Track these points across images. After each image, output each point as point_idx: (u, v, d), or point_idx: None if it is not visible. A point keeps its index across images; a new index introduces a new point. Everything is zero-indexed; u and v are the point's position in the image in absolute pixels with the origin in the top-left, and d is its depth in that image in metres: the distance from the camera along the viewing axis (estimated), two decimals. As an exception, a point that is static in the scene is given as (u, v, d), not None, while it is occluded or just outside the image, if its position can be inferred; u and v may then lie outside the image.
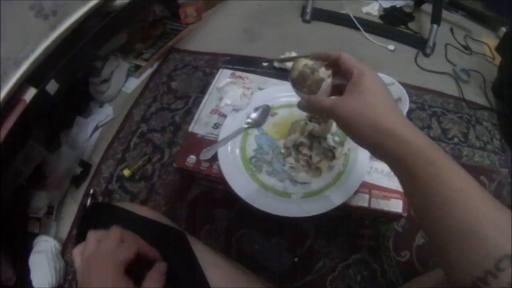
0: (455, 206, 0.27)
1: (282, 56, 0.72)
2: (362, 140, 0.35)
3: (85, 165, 0.87)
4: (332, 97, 0.39)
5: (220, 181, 0.60)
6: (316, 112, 0.40)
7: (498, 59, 0.99)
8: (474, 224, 0.26)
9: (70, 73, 0.81)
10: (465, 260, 0.26)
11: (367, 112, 0.33)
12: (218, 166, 0.60)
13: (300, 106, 0.41)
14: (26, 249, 0.73)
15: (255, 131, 0.63)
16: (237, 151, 0.62)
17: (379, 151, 0.34)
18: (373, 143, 0.34)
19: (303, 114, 0.64)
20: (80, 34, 0.79)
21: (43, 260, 0.70)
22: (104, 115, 0.89)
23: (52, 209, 0.82)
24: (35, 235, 0.76)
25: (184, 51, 0.92)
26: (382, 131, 0.32)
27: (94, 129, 0.89)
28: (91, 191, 0.81)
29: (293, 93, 0.67)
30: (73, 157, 0.88)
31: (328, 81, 0.39)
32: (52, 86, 0.76)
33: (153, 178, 0.74)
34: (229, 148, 0.62)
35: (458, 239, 0.27)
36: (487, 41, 1.08)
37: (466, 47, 1.02)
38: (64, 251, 0.74)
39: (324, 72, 0.39)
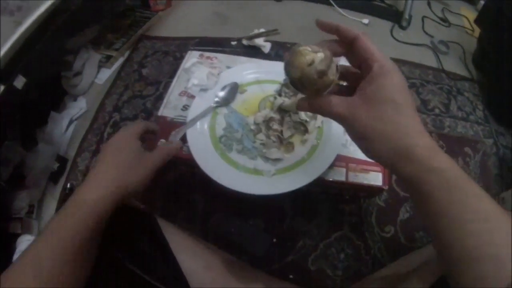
0: (470, 232, 0.24)
1: (250, 34, 0.67)
2: (376, 157, 0.30)
3: (62, 160, 0.82)
4: (340, 99, 0.30)
5: (192, 164, 0.55)
6: (322, 114, 0.32)
7: (477, 31, 0.94)
8: (489, 248, 0.24)
9: (37, 67, 0.77)
10: (481, 283, 0.23)
11: (387, 131, 0.28)
12: (188, 148, 0.56)
13: (300, 108, 0.34)
14: (10, 251, 0.69)
15: (224, 110, 0.59)
16: (206, 131, 0.57)
17: (392, 170, 0.29)
18: (388, 162, 0.29)
19: (272, 90, 0.60)
20: (47, 28, 0.75)
21: None
22: (78, 109, 0.84)
23: (32, 208, 0.78)
24: (18, 235, 0.73)
25: (154, 38, 0.87)
26: (400, 153, 0.27)
27: (69, 123, 0.84)
28: (68, 185, 0.77)
29: (261, 69, 0.64)
30: (50, 154, 0.83)
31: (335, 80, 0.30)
32: (19, 81, 0.72)
33: (127, 167, 0.69)
34: (198, 128, 0.57)
35: (474, 264, 0.24)
36: (466, 13, 1.04)
37: (444, 20, 0.97)
38: None
39: (333, 74, 0.29)
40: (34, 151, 0.84)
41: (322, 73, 0.29)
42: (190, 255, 0.45)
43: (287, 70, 0.31)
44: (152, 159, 0.44)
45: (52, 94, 0.88)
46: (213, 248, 0.54)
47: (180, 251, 0.43)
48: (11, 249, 0.69)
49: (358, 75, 0.31)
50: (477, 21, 0.94)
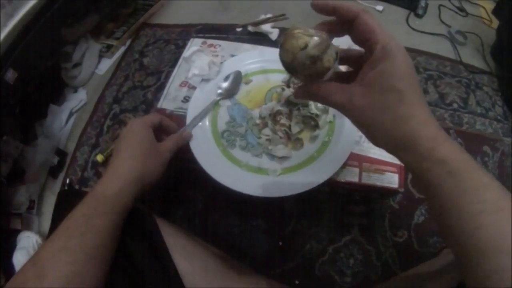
0: (482, 224, 0.22)
1: (256, 20, 0.60)
2: (379, 146, 0.27)
3: (62, 154, 0.76)
4: (338, 87, 0.27)
5: (191, 160, 0.48)
6: (319, 102, 0.31)
7: (495, 22, 0.85)
8: (504, 239, 0.21)
9: (32, 60, 0.72)
10: (498, 276, 0.21)
11: (387, 121, 0.25)
12: (188, 143, 0.49)
13: (297, 96, 0.30)
14: (10, 247, 0.65)
15: (227, 102, 0.52)
16: (207, 125, 0.50)
17: (399, 159, 0.27)
18: (391, 152, 0.27)
19: (279, 80, 0.53)
20: (40, 19, 0.69)
21: (24, 256, 0.62)
22: (77, 101, 0.78)
23: (33, 203, 0.73)
24: (18, 232, 0.68)
25: (155, 26, 0.80)
26: (402, 143, 0.25)
27: (69, 115, 0.78)
28: (67, 181, 0.71)
29: (267, 57, 0.56)
30: (49, 147, 0.77)
31: (334, 67, 0.26)
32: (10, 75, 0.67)
33: (126, 162, 0.63)
34: (199, 122, 0.50)
35: (489, 257, 0.22)
36: (483, 3, 0.94)
37: (461, 9, 0.87)
38: None
39: (329, 60, 0.26)
40: (34, 145, 0.79)
41: (315, 58, 0.25)
42: (187, 256, 0.41)
43: (280, 53, 0.27)
44: (165, 147, 0.44)
45: (51, 86, 0.82)
46: (213, 250, 0.48)
47: (178, 253, 0.39)
48: (12, 245, 0.65)
49: (362, 59, 0.28)
50: (495, 11, 0.85)
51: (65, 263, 0.29)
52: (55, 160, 0.77)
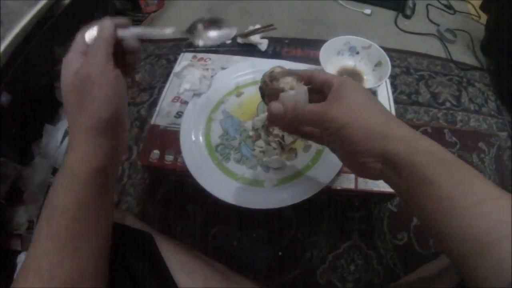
0: (479, 214, 0.22)
1: (245, 31, 0.60)
2: (361, 147, 0.27)
3: (59, 173, 0.77)
4: (313, 104, 0.31)
5: (188, 175, 0.49)
6: (294, 122, 0.31)
7: (484, 18, 0.85)
8: (504, 227, 0.21)
9: (22, 81, 0.72)
10: (503, 264, 0.20)
11: (360, 116, 0.27)
12: (183, 158, 0.49)
13: (273, 112, 0.30)
14: (11, 268, 0.65)
15: (219, 115, 0.52)
16: (201, 139, 0.50)
17: (382, 160, 0.27)
18: (375, 147, 0.26)
19: (271, 91, 0.53)
20: (31, 39, 0.70)
21: None
22: (72, 119, 0.78)
23: (32, 224, 0.73)
24: (19, 252, 0.68)
25: (146, 41, 0.80)
26: (385, 134, 0.26)
27: (64, 134, 0.78)
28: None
29: (258, 68, 0.56)
30: (46, 167, 0.78)
31: (291, 93, 0.30)
32: (4, 99, 0.68)
33: (123, 178, 0.63)
34: (192, 137, 0.50)
35: (491, 247, 0.21)
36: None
37: (449, 7, 0.88)
38: None
39: (287, 83, 0.31)
40: (31, 166, 0.79)
41: (272, 78, 0.32)
42: (189, 272, 0.40)
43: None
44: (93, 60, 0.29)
45: (46, 106, 0.82)
46: (213, 263, 0.48)
47: (179, 269, 0.39)
48: (12, 266, 0.65)
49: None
50: (483, 6, 0.86)
51: (40, 256, 0.27)
52: (52, 180, 0.77)
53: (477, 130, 0.68)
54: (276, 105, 0.30)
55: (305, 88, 0.30)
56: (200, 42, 0.35)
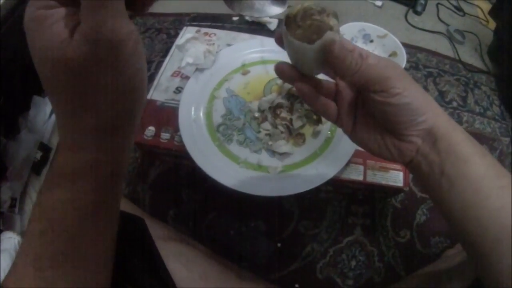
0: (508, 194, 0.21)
1: (255, 8, 0.55)
2: (417, 116, 0.24)
3: (45, 149, 0.70)
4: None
5: (184, 156, 0.43)
6: (355, 74, 0.23)
7: (492, 23, 0.83)
8: None
9: (10, 50, 0.65)
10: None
11: (414, 85, 0.24)
12: (180, 137, 0.44)
13: (331, 57, 0.23)
14: None
15: (223, 93, 0.47)
16: (202, 118, 0.45)
17: (428, 135, 0.25)
18: (428, 118, 0.24)
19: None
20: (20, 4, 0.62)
21: (7, 259, 0.56)
22: (62, 92, 0.71)
23: (15, 202, 0.66)
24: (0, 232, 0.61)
25: (147, 14, 0.74)
26: (431, 106, 0.24)
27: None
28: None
29: (266, 47, 0.51)
30: (32, 142, 0.71)
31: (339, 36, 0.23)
32: None
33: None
34: (192, 114, 0.45)
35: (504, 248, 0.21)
36: (480, 4, 0.92)
37: (459, 8, 0.85)
38: None
39: (335, 24, 0.23)
40: (16, 140, 0.72)
41: (321, 11, 0.23)
42: (184, 263, 0.37)
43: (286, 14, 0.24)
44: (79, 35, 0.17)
45: (35, 77, 0.75)
46: (209, 254, 0.44)
47: (172, 259, 0.35)
48: (-7, 247, 0.58)
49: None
50: (491, 12, 0.83)
51: (32, 276, 0.21)
52: (38, 155, 0.70)
53: (482, 132, 0.66)
54: (344, 40, 0.23)
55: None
56: (241, 11, 0.26)
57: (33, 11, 0.16)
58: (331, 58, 0.23)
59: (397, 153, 0.25)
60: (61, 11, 0.16)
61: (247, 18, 0.55)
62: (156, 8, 0.84)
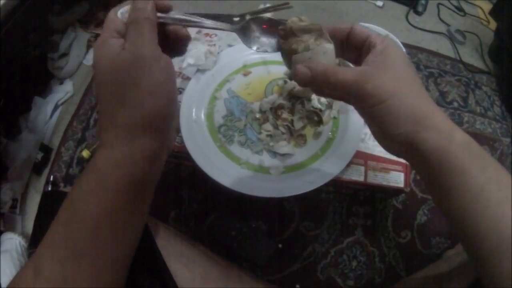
0: (507, 208, 0.21)
1: (255, 9, 0.55)
2: (392, 130, 0.24)
3: (46, 150, 0.70)
4: (347, 68, 0.26)
5: (186, 156, 0.43)
6: (325, 88, 0.26)
7: (493, 23, 0.83)
8: None
9: (12, 51, 0.65)
10: None
11: (403, 92, 0.23)
12: (182, 138, 0.44)
13: (299, 77, 0.26)
14: None
15: (224, 94, 0.46)
16: (203, 119, 0.45)
17: (410, 146, 0.24)
18: (406, 130, 0.23)
19: (281, 72, 0.48)
20: (24, 3, 0.62)
21: (7, 261, 0.56)
22: (63, 92, 0.71)
23: (16, 202, 0.66)
24: (1, 233, 0.61)
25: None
26: (420, 117, 0.23)
27: (54, 108, 0.71)
28: (51, 178, 0.65)
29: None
30: (33, 142, 0.70)
31: (305, 55, 0.25)
32: None
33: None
34: (193, 115, 0.45)
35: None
36: (481, 4, 0.91)
37: (460, 8, 0.84)
38: (31, 247, 0.58)
39: (302, 41, 0.26)
40: (17, 140, 0.72)
41: (288, 34, 0.26)
42: (185, 263, 0.36)
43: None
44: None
45: (37, 77, 0.75)
46: (210, 254, 0.44)
47: (174, 260, 0.34)
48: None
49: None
50: (492, 13, 0.83)
51: (53, 261, 0.22)
52: (39, 156, 0.70)
53: (482, 133, 0.65)
54: (302, 69, 0.25)
55: (328, 47, 0.25)
56: (254, 47, 0.29)
57: (105, 36, 0.23)
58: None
59: (393, 150, 0.26)
60: (121, 40, 0.23)
61: (247, 18, 0.55)
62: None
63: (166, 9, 0.26)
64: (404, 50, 0.52)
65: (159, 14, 0.25)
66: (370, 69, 0.24)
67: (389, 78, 0.23)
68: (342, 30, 0.27)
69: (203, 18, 0.28)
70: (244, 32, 0.30)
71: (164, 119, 0.24)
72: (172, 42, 0.27)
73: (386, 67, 0.24)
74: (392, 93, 0.23)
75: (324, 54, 0.25)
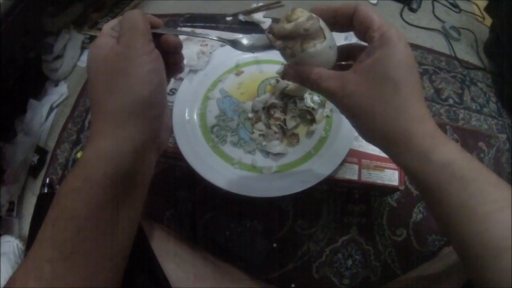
0: (494, 222, 0.21)
1: (248, 8, 0.54)
2: (369, 140, 0.25)
3: (42, 152, 0.69)
4: (332, 73, 0.25)
5: (179, 157, 0.43)
6: (309, 87, 0.26)
7: (488, 19, 0.82)
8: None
9: (7, 53, 0.64)
10: (504, 276, 0.20)
11: (380, 112, 0.23)
12: (175, 139, 0.43)
13: (286, 75, 0.27)
14: None
15: (217, 94, 0.46)
16: (196, 119, 0.45)
17: (390, 157, 0.25)
18: (383, 148, 0.24)
19: (274, 71, 0.47)
20: (18, 6, 0.61)
21: (6, 263, 0.56)
22: (58, 95, 0.71)
23: (12, 205, 0.66)
24: None
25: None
26: (397, 139, 0.23)
27: (49, 110, 0.71)
28: (47, 181, 0.65)
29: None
30: (29, 145, 0.70)
31: (318, 49, 0.24)
32: None
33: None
34: (186, 116, 0.45)
35: (503, 254, 0.20)
36: (476, 1, 0.91)
37: (455, 5, 0.84)
38: (28, 249, 0.58)
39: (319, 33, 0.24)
40: (13, 143, 0.72)
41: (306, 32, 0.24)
42: (179, 263, 0.36)
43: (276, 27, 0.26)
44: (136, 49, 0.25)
45: (32, 80, 0.74)
46: (205, 255, 0.43)
47: (168, 260, 0.34)
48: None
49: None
50: (487, 9, 0.83)
51: (42, 261, 0.22)
52: (35, 158, 0.70)
53: (478, 129, 0.65)
54: (290, 73, 0.26)
55: (314, 50, 0.24)
56: (247, 51, 0.34)
57: (101, 36, 0.25)
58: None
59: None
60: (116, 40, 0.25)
61: (240, 18, 0.55)
62: (149, 9, 0.84)
63: (156, 26, 0.27)
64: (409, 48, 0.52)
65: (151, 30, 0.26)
66: (352, 78, 0.23)
67: (368, 94, 0.23)
68: (345, 12, 0.25)
69: (192, 29, 0.31)
70: (235, 44, 0.33)
71: (152, 106, 0.24)
72: (166, 53, 0.27)
73: (369, 78, 0.23)
74: (366, 111, 0.23)
75: (312, 57, 0.24)
